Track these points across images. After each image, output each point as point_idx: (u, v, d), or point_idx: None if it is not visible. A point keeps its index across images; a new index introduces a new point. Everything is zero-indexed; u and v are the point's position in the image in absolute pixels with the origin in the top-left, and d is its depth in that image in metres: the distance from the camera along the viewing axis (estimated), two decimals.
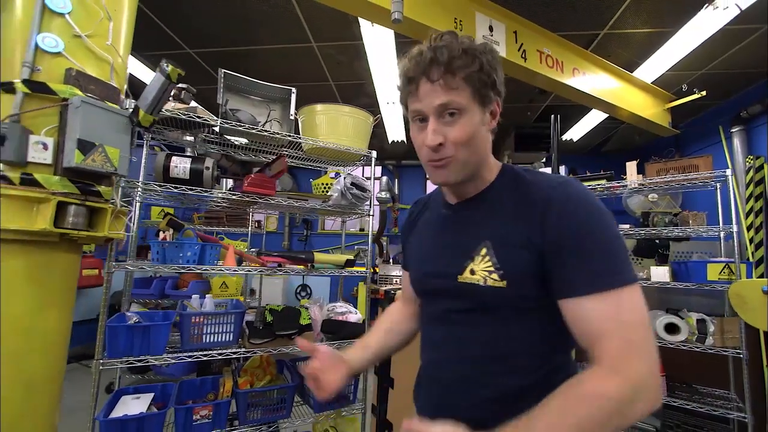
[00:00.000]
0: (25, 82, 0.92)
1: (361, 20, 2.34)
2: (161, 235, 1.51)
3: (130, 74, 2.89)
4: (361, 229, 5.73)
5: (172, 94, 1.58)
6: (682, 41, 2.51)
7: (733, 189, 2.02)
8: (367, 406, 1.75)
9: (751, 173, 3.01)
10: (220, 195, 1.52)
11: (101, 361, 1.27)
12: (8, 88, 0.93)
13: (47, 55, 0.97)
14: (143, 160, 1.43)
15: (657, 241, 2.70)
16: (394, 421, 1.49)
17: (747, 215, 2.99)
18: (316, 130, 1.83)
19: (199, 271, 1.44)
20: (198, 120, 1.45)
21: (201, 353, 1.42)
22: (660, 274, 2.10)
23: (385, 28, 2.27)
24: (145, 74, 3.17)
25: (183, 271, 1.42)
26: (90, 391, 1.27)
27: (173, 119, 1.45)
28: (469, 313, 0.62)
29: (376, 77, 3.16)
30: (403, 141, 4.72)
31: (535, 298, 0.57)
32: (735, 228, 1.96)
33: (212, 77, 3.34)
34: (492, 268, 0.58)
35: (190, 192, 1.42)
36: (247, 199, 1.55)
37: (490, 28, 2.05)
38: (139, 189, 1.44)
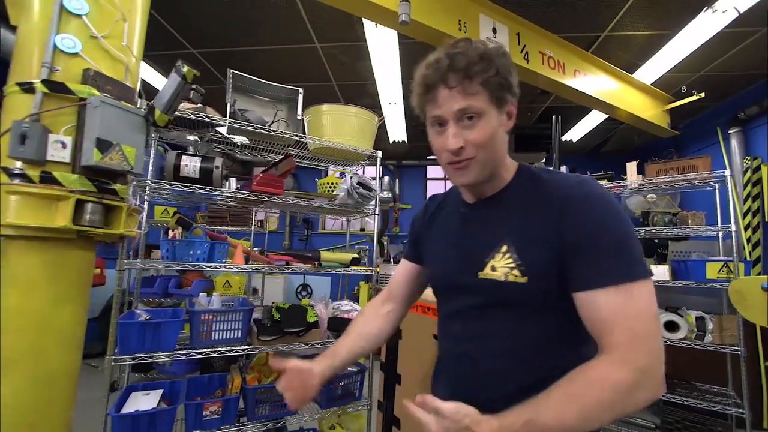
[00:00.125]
0: (44, 82, 0.94)
1: (365, 21, 2.37)
2: (170, 233, 1.53)
3: None
4: (362, 229, 5.75)
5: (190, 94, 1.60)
6: (681, 43, 2.55)
7: (731, 189, 2.06)
8: (373, 403, 1.77)
9: (748, 174, 3.05)
10: (229, 194, 1.53)
11: (113, 357, 1.29)
12: (28, 88, 0.94)
13: (65, 56, 0.99)
14: (151, 159, 1.44)
15: (656, 240, 2.74)
16: (401, 417, 1.51)
17: (744, 215, 3.03)
18: (322, 130, 1.85)
19: (209, 268, 1.46)
20: (207, 120, 1.47)
21: (211, 350, 1.44)
22: (660, 272, 2.14)
23: (388, 30, 2.29)
24: (148, 73, 3.18)
25: (193, 269, 1.43)
26: (95, 388, 1.29)
27: (183, 119, 1.47)
28: (490, 308, 0.65)
29: (378, 78, 3.18)
30: (403, 141, 4.74)
31: (554, 294, 0.60)
32: (733, 227, 2.00)
33: (215, 77, 3.35)
34: (513, 265, 0.61)
35: (200, 191, 1.44)
36: (256, 198, 1.57)
37: (494, 30, 2.07)
38: (148, 187, 1.46)
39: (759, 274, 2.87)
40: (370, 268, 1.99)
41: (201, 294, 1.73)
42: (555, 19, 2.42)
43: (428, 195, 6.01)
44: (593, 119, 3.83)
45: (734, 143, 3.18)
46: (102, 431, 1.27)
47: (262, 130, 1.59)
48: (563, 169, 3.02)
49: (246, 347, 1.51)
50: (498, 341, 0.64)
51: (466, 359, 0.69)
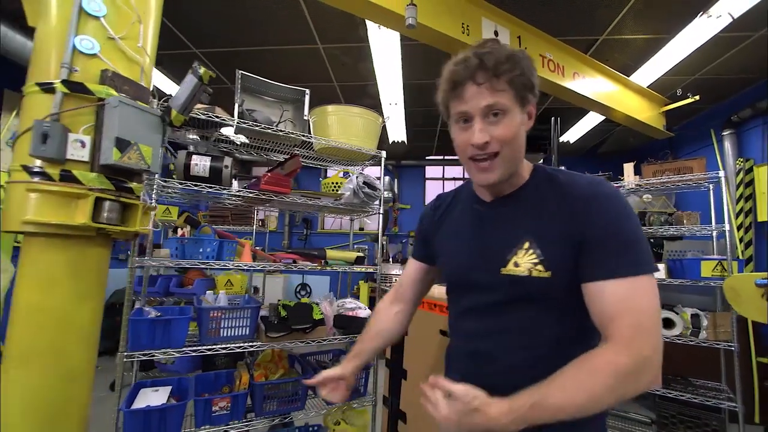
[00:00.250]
0: (64, 82, 0.96)
1: (368, 23, 2.39)
2: (179, 231, 1.55)
3: None
4: (361, 229, 5.78)
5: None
6: (677, 47, 2.61)
7: (725, 190, 2.12)
8: (378, 398, 1.80)
9: (741, 175, 3.12)
10: (238, 193, 1.56)
11: (125, 353, 1.31)
12: (47, 88, 0.96)
13: (83, 57, 1.01)
14: (159, 159, 1.46)
15: (652, 240, 2.80)
16: (407, 411, 1.54)
17: (737, 215, 3.10)
18: (328, 131, 1.88)
19: (218, 266, 1.48)
20: (217, 120, 1.49)
21: (220, 346, 1.46)
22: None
23: (391, 31, 2.32)
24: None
25: (200, 267, 1.45)
26: (96, 387, 1.30)
27: (192, 119, 1.49)
28: (510, 304, 0.67)
29: (380, 78, 3.21)
30: (403, 141, 4.78)
31: (575, 289, 0.63)
32: (727, 227, 2.05)
33: (217, 77, 3.36)
34: (537, 260, 0.64)
35: (210, 189, 1.46)
36: (264, 197, 1.59)
37: (496, 33, 2.11)
38: (156, 186, 1.48)
39: (752, 272, 2.94)
40: (374, 267, 2.01)
41: (208, 292, 1.75)
42: (554, 23, 2.46)
43: (427, 195, 6.03)
44: (590, 121, 3.89)
45: (727, 145, 3.25)
46: (114, 426, 1.29)
47: (269, 130, 1.62)
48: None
49: (254, 344, 1.53)
50: (516, 337, 0.67)
51: (482, 355, 0.71)
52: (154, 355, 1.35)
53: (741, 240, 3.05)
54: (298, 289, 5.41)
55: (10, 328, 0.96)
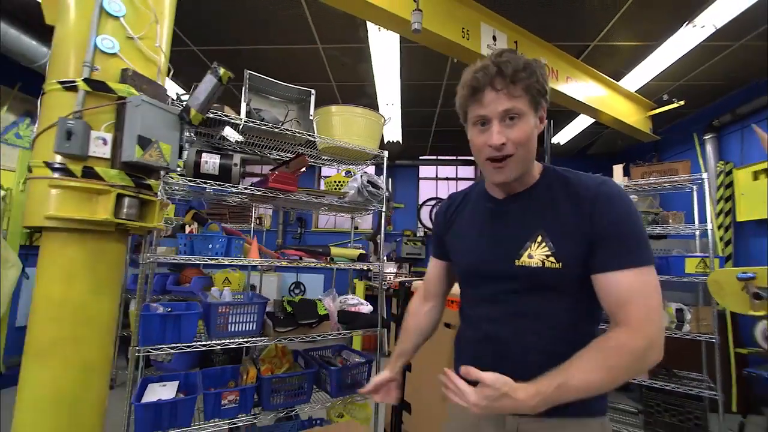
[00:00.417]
0: (86, 80, 0.98)
1: (368, 24, 2.44)
2: (187, 228, 1.57)
3: None
4: (355, 228, 5.81)
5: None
6: (664, 54, 2.73)
7: (708, 191, 2.24)
8: None
9: (721, 177, 3.28)
10: (246, 191, 1.58)
11: (137, 348, 1.33)
12: (70, 86, 0.98)
13: (104, 56, 1.03)
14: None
15: None
16: (411, 402, 1.59)
17: (717, 215, 3.26)
18: (332, 131, 1.92)
19: (227, 262, 1.50)
20: (226, 118, 1.52)
21: (229, 341, 1.49)
22: None
23: (391, 33, 2.37)
24: None
25: (212, 262, 1.48)
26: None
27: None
28: (524, 293, 0.73)
29: (378, 79, 3.26)
30: (398, 141, 4.83)
31: (584, 279, 0.69)
32: (710, 226, 2.17)
33: None
34: (549, 253, 0.69)
35: (220, 187, 1.49)
36: (271, 194, 1.62)
37: (494, 38, 2.19)
38: (162, 183, 1.49)
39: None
40: (376, 264, 2.06)
41: (213, 288, 1.77)
42: (549, 28, 2.55)
43: (420, 195, 6.09)
44: (580, 123, 4.02)
45: (709, 148, 3.41)
46: (125, 420, 1.31)
47: (276, 129, 1.65)
48: None
49: (262, 338, 1.57)
50: (530, 322, 0.72)
51: (496, 340, 0.76)
52: (164, 350, 1.37)
53: (721, 239, 3.21)
54: (292, 288, 5.42)
55: (31, 320, 0.98)
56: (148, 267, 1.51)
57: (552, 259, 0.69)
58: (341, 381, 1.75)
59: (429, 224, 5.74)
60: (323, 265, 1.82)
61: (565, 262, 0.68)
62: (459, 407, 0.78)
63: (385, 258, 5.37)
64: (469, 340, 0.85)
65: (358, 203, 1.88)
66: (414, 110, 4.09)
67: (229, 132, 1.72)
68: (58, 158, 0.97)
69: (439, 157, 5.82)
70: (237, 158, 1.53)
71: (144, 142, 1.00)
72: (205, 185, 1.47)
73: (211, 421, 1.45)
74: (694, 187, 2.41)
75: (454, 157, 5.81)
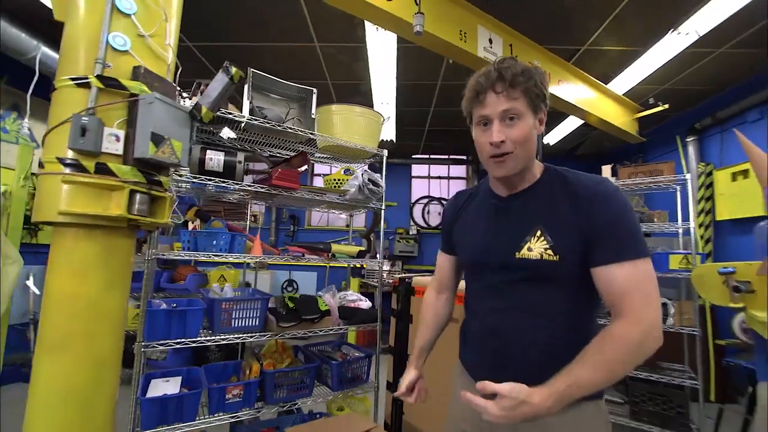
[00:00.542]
0: (98, 77, 0.99)
1: (366, 24, 2.47)
2: (191, 225, 1.57)
3: None
4: (347, 225, 5.84)
5: (200, 89, 1.65)
6: (650, 59, 2.84)
7: (690, 191, 2.35)
8: (381, 385, 1.89)
9: (702, 178, 3.43)
10: (249, 188, 1.60)
11: (143, 343, 1.33)
12: (82, 83, 0.99)
13: (115, 53, 1.03)
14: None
15: None
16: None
17: (698, 214, 3.41)
18: (333, 129, 1.94)
19: (232, 259, 1.52)
20: (230, 116, 1.53)
21: (233, 336, 1.51)
22: None
23: (388, 33, 2.41)
24: None
25: (216, 259, 1.49)
26: None
27: None
28: (524, 283, 0.78)
29: (374, 78, 3.29)
30: (391, 140, 4.87)
31: (579, 271, 0.74)
32: (692, 224, 2.29)
33: (209, 70, 3.33)
34: (547, 246, 0.75)
35: (224, 184, 1.50)
36: (274, 192, 1.64)
37: (490, 41, 2.24)
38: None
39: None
40: (376, 261, 2.10)
41: (214, 285, 1.78)
42: (542, 32, 2.63)
43: (413, 193, 6.14)
44: (569, 125, 4.13)
45: (691, 150, 3.56)
46: (132, 414, 1.31)
47: (279, 128, 1.67)
48: None
49: (265, 333, 1.59)
50: (530, 310, 0.78)
51: (500, 332, 0.81)
52: (170, 345, 1.38)
53: (702, 237, 3.36)
54: (284, 285, 5.41)
55: (43, 315, 0.99)
56: (151, 264, 1.51)
57: (550, 252, 0.74)
58: (342, 375, 1.79)
59: (421, 222, 5.81)
60: (325, 263, 1.85)
61: (563, 256, 0.73)
62: (458, 407, 0.86)
63: (378, 255, 5.42)
64: (474, 332, 0.90)
65: (358, 201, 1.91)
66: (408, 109, 4.13)
67: (224, 130, 1.73)
68: (70, 154, 0.98)
69: (432, 156, 5.89)
70: (241, 156, 1.55)
71: (157, 139, 1.01)
72: (209, 182, 1.48)
73: (216, 415, 1.47)
74: (678, 188, 2.52)
75: (447, 156, 5.89)
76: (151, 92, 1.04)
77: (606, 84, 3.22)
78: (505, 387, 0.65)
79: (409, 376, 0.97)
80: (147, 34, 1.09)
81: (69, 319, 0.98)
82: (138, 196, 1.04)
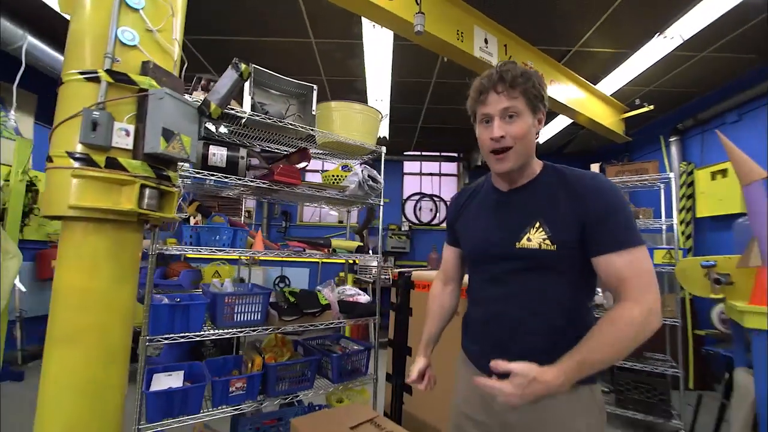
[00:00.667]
0: (108, 72, 0.99)
1: (363, 21, 2.48)
2: (192, 220, 1.58)
3: None
4: (340, 221, 5.85)
5: (201, 84, 1.64)
6: (637, 62, 2.94)
7: (674, 189, 2.46)
8: (380, 376, 1.93)
9: (684, 176, 3.58)
10: (250, 183, 1.61)
11: (147, 337, 1.34)
12: (92, 77, 0.99)
13: (124, 48, 1.04)
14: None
15: None
16: (413, 384, 1.69)
17: (680, 212, 3.56)
18: (332, 126, 1.96)
19: (235, 254, 1.53)
20: (232, 112, 1.54)
21: (238, 330, 1.53)
22: None
23: (385, 31, 2.43)
24: None
25: (220, 254, 1.50)
26: None
27: None
28: (525, 272, 0.83)
29: (369, 75, 3.30)
30: (384, 137, 4.89)
31: (575, 260, 0.80)
32: (675, 221, 2.40)
33: (202, 65, 3.29)
34: (545, 236, 0.80)
35: (226, 179, 1.51)
36: (275, 187, 1.66)
37: (485, 41, 2.29)
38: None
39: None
40: (373, 256, 2.14)
41: (214, 280, 1.79)
42: (535, 33, 2.69)
43: (405, 189, 6.18)
44: (558, 123, 4.23)
45: (674, 150, 3.70)
46: (137, 407, 1.32)
47: (281, 124, 1.68)
48: None
49: (267, 327, 1.61)
50: (530, 297, 0.83)
51: (502, 319, 0.86)
52: (175, 340, 1.39)
53: (683, 233, 3.51)
54: (276, 281, 5.39)
55: (53, 309, 0.99)
56: (153, 259, 1.51)
57: (548, 242, 0.80)
58: (342, 367, 1.82)
59: (413, 219, 5.86)
60: (320, 259, 1.88)
61: (560, 245, 0.79)
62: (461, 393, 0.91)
63: (370, 251, 5.46)
64: (477, 320, 0.95)
65: (358, 197, 1.94)
66: (401, 106, 4.16)
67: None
68: (79, 148, 0.98)
69: (424, 153, 5.94)
70: (243, 151, 1.56)
71: (168, 135, 1.02)
72: (211, 177, 1.49)
73: (219, 407, 1.49)
74: (662, 186, 2.63)
75: (438, 153, 5.95)
76: (161, 87, 1.05)
77: (595, 85, 3.31)
78: (516, 366, 0.69)
79: (419, 364, 1.02)
80: (155, 29, 1.10)
81: (81, 313, 0.99)
82: (147, 191, 1.05)
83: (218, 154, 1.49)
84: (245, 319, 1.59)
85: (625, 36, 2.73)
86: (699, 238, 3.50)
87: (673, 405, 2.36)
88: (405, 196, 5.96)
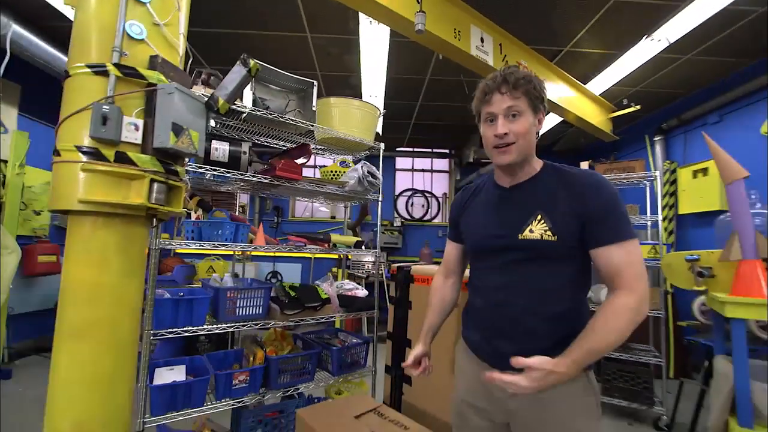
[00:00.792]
0: (116, 65, 0.99)
1: (360, 16, 2.49)
2: (193, 215, 1.58)
3: None
4: (332, 217, 5.85)
5: (201, 78, 1.63)
6: (625, 63, 3.03)
7: (658, 187, 2.56)
8: (378, 368, 1.98)
9: (667, 175, 3.72)
10: (252, 178, 1.61)
11: (151, 332, 1.35)
12: (100, 70, 0.98)
13: (131, 41, 1.03)
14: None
15: None
16: (412, 376, 1.73)
17: (663, 209, 3.70)
18: (331, 122, 1.97)
19: (238, 248, 1.54)
20: (233, 107, 1.53)
21: (240, 324, 1.54)
22: None
23: (382, 27, 2.45)
24: None
25: (222, 249, 1.51)
26: None
27: None
28: (527, 262, 0.88)
29: (364, 71, 3.31)
30: (378, 133, 4.91)
31: (575, 251, 0.85)
32: (660, 217, 2.50)
33: (195, 58, 3.23)
34: (546, 228, 0.85)
35: (228, 174, 1.51)
36: (277, 182, 1.67)
37: (482, 40, 2.33)
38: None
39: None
40: (374, 252, 2.17)
41: (214, 275, 1.79)
42: (528, 34, 2.74)
43: (397, 185, 6.21)
44: (548, 122, 4.32)
45: (658, 149, 3.83)
46: (142, 401, 1.33)
47: (282, 119, 1.69)
48: None
49: (269, 321, 1.63)
50: (535, 284, 0.88)
51: (504, 307, 0.91)
52: (178, 333, 1.40)
53: (666, 229, 3.65)
54: (269, 277, 5.38)
55: (62, 303, 0.99)
56: (156, 254, 1.51)
57: (549, 233, 0.85)
58: (342, 360, 1.86)
59: (405, 215, 5.91)
60: (323, 255, 1.90)
61: (560, 236, 0.84)
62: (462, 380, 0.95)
63: (363, 246, 5.49)
64: (479, 309, 0.99)
65: (357, 192, 1.97)
66: (396, 103, 4.18)
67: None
68: (87, 142, 0.98)
69: (416, 149, 5.98)
70: (245, 146, 1.56)
71: (177, 129, 1.03)
72: (214, 171, 1.49)
73: (222, 400, 1.51)
74: (647, 183, 2.73)
75: (430, 150, 6.00)
76: (169, 82, 1.05)
77: (585, 84, 3.40)
78: (534, 360, 0.74)
79: (417, 350, 1.06)
80: (162, 23, 1.09)
81: (91, 307, 0.99)
82: (156, 186, 1.05)
83: (221, 148, 1.50)
84: (247, 313, 1.61)
85: (615, 38, 2.81)
86: (681, 233, 3.65)
87: (656, 393, 2.48)
88: (397, 192, 6.00)
